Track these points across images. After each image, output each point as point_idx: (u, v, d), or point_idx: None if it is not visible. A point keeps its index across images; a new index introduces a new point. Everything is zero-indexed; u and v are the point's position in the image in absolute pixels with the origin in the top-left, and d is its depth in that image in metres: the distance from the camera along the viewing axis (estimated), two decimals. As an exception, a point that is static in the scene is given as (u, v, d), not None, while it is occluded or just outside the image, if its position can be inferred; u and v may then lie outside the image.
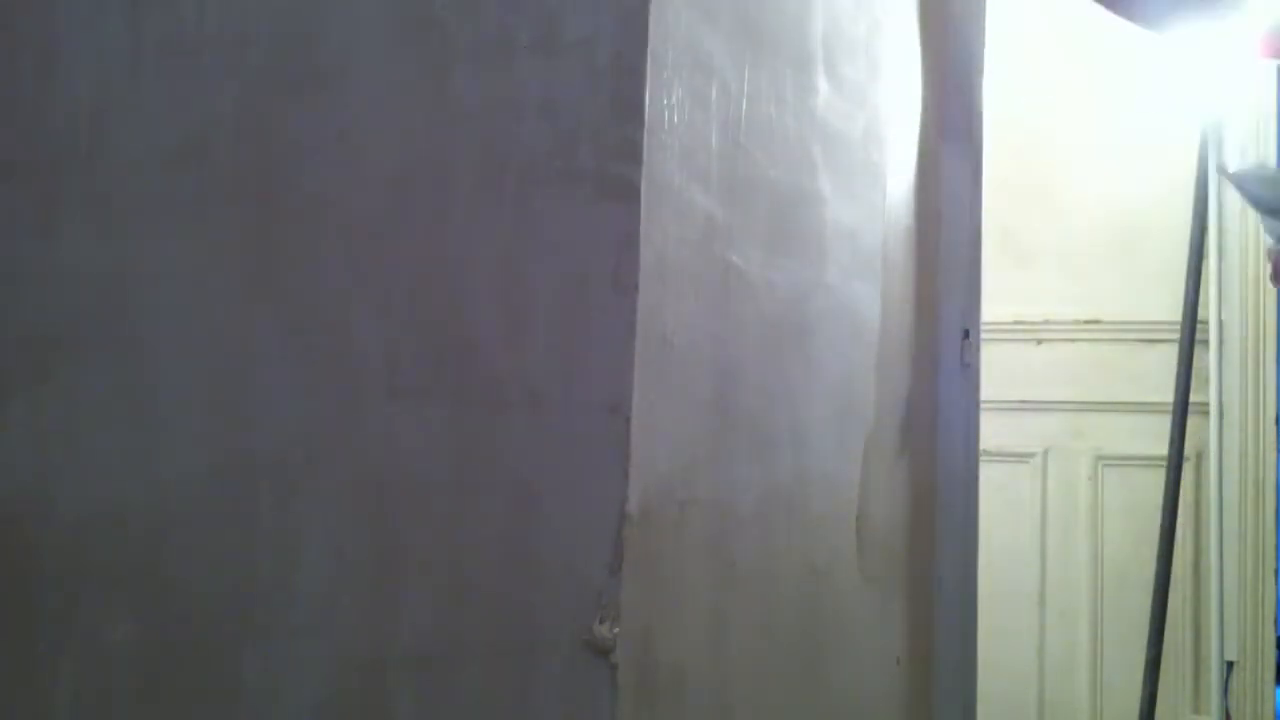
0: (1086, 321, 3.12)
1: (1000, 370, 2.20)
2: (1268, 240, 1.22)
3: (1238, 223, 2.85)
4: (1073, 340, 3.15)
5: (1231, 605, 2.93)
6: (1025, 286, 3.06)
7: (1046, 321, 3.15)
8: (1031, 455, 3.17)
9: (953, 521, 1.60)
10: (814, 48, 1.22)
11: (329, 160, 0.98)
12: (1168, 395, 2.77)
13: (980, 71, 1.71)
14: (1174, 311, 2.83)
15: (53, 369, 1.05)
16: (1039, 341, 3.17)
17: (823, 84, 1.24)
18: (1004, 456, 2.97)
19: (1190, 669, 3.00)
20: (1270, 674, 2.92)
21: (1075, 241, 3.14)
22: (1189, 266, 2.81)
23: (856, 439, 1.35)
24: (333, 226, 0.97)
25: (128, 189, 1.04)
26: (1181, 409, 2.73)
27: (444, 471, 0.92)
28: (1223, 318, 2.88)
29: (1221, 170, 1.33)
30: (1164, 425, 2.76)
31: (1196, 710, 2.98)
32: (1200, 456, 2.99)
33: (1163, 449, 2.73)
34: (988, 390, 1.72)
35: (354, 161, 0.97)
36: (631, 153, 0.88)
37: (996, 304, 1.87)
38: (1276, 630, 2.95)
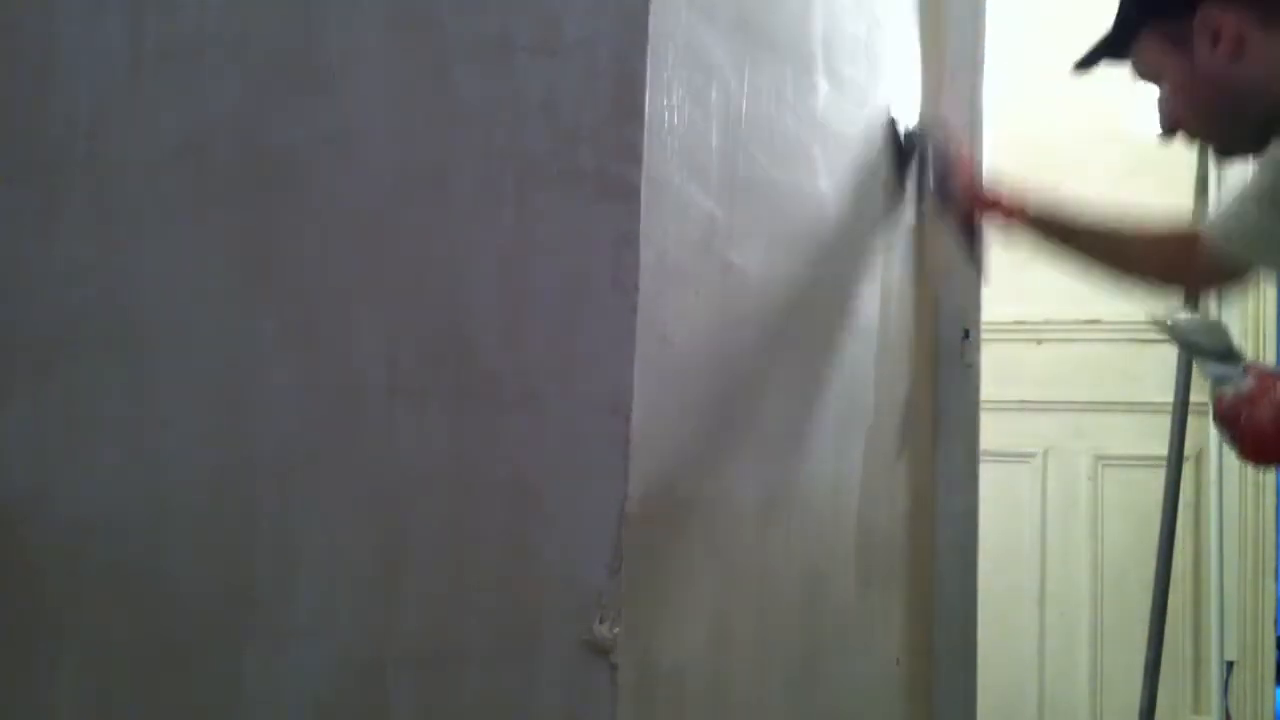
0: (1086, 321, 3.11)
1: (1000, 370, 2.20)
2: (1209, 379, 1.33)
3: (1238, 223, 2.83)
4: (1073, 340, 3.14)
5: (1231, 605, 2.92)
6: (1025, 286, 3.06)
7: (1046, 321, 3.15)
8: (1031, 455, 3.17)
9: (953, 521, 1.60)
10: (814, 48, 1.22)
11: (329, 160, 0.98)
12: (1168, 395, 2.76)
13: (980, 71, 1.71)
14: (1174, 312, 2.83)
15: (53, 369, 1.05)
16: (1039, 341, 3.17)
17: (823, 84, 1.24)
18: (1004, 456, 2.96)
19: (1190, 669, 3.00)
20: (1270, 674, 2.92)
21: (1075, 241, 3.13)
22: (1189, 266, 2.80)
23: (856, 439, 1.35)
24: (332, 227, 0.97)
25: (128, 189, 1.04)
26: (1181, 409, 2.72)
27: (444, 471, 0.92)
28: (1223, 317, 2.88)
29: (1158, 323, 1.35)
30: (1164, 425, 2.75)
31: (1196, 710, 2.98)
32: (1200, 456, 2.99)
33: (1163, 449, 2.73)
34: (988, 390, 1.72)
35: (354, 161, 0.97)
36: (631, 153, 0.88)
37: (996, 304, 1.87)
38: (1276, 630, 2.95)
